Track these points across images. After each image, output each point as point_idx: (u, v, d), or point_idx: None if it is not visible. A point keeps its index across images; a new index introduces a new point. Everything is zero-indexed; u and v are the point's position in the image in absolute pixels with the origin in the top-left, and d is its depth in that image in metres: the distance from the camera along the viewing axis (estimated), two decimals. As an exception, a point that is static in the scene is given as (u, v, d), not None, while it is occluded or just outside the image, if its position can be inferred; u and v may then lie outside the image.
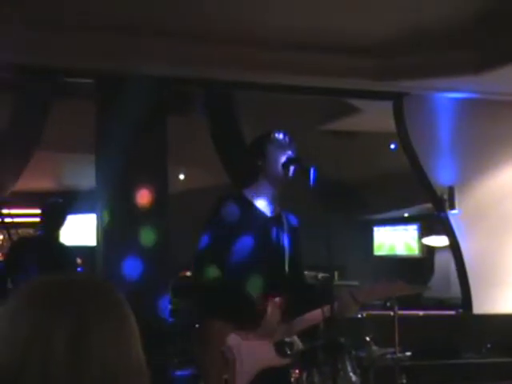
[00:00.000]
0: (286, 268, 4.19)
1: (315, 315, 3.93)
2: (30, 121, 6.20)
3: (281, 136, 4.20)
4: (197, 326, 4.19)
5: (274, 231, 4.21)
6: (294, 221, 4.34)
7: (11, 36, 5.77)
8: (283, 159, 4.09)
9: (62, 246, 6.50)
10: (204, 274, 4.13)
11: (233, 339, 3.92)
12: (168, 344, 6.11)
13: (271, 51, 6.27)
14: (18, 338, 1.29)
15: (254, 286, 4.05)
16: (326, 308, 3.78)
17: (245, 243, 4.10)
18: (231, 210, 4.16)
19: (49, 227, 6.42)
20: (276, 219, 4.23)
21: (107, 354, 1.30)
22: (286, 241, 4.23)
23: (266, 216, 4.19)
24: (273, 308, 3.97)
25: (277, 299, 3.98)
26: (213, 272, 4.08)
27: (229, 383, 3.84)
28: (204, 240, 4.17)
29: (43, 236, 6.45)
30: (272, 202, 4.22)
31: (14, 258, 6.26)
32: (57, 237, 6.51)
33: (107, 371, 1.30)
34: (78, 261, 6.68)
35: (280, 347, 3.98)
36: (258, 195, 4.21)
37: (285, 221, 4.27)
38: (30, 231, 9.76)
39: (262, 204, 4.20)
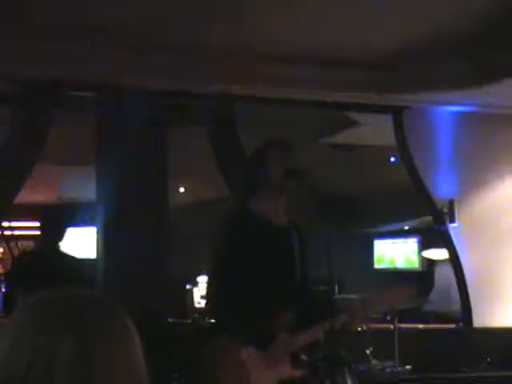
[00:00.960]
0: (298, 279, 4.19)
1: (317, 330, 3.93)
2: (30, 134, 6.20)
3: (281, 148, 4.20)
4: (210, 341, 4.19)
5: (283, 243, 4.20)
6: (301, 230, 4.32)
7: (11, 49, 5.79)
8: (284, 171, 4.09)
9: (66, 257, 6.47)
10: (219, 297, 4.14)
11: (246, 354, 3.92)
12: (168, 357, 6.10)
13: (271, 65, 6.28)
14: (23, 353, 1.29)
15: (267, 300, 4.05)
16: (327, 322, 3.78)
17: (256, 258, 4.10)
18: (239, 228, 4.16)
19: (50, 239, 6.41)
20: (284, 230, 4.22)
21: (110, 368, 1.31)
22: (296, 251, 4.22)
23: (274, 228, 4.19)
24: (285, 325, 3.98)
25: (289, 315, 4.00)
26: (227, 293, 4.08)
27: None
28: (217, 263, 4.18)
29: (45, 249, 6.44)
30: (277, 213, 4.22)
31: (17, 272, 6.25)
32: (59, 248, 6.49)
33: None
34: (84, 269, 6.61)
35: (295, 359, 3.98)
36: (262, 207, 4.21)
37: (294, 231, 4.26)
38: (30, 244, 9.75)
39: (266, 215, 4.19)
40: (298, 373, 3.97)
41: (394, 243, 13.62)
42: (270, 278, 4.08)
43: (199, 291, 11.15)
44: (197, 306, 10.53)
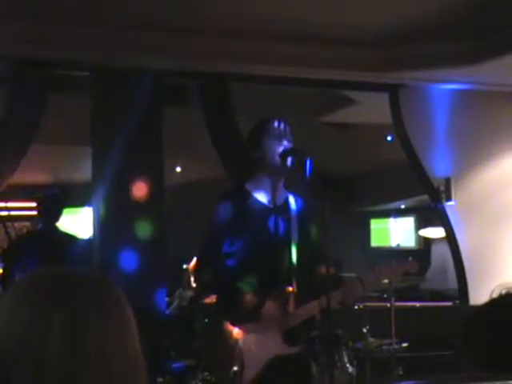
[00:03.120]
0: (293, 257, 4.18)
1: (314, 306, 3.94)
2: (26, 113, 6.18)
3: (277, 126, 4.18)
4: (205, 320, 4.22)
5: (276, 222, 4.19)
6: (304, 205, 4.28)
7: (8, 28, 5.77)
8: (280, 150, 4.07)
9: (62, 236, 6.46)
10: (206, 274, 4.16)
11: (239, 332, 3.94)
12: (165, 336, 6.12)
13: (267, 43, 6.26)
14: (16, 329, 1.29)
15: (257, 279, 4.06)
16: (324, 298, 3.79)
17: (246, 238, 4.10)
18: (232, 207, 4.15)
19: (47, 219, 6.41)
20: (279, 209, 4.20)
21: (104, 347, 1.31)
22: (293, 229, 4.20)
23: (268, 207, 4.18)
24: (271, 301, 3.99)
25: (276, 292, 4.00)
26: (214, 270, 4.10)
27: (238, 375, 3.87)
28: (206, 240, 4.19)
29: (44, 229, 6.44)
30: (273, 192, 4.20)
31: (15, 251, 6.24)
32: (55, 228, 6.49)
33: (104, 365, 1.30)
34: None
35: (288, 336, 3.99)
36: (258, 187, 4.20)
37: (291, 209, 4.23)
38: (27, 224, 9.75)
39: (263, 196, 4.18)
40: (292, 349, 3.98)
41: (390, 222, 13.63)
42: (260, 257, 4.08)
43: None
44: (194, 285, 10.54)
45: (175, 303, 7.20)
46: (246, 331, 3.95)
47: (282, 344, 3.97)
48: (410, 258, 4.31)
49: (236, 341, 3.94)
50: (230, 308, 4.04)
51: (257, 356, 3.92)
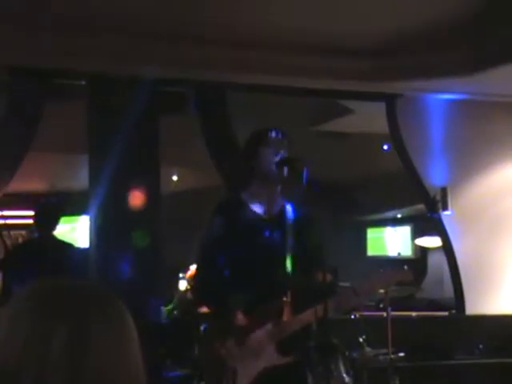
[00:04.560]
0: (289, 267, 4.16)
1: (309, 315, 3.93)
2: (22, 122, 6.19)
3: (274, 136, 4.17)
4: (201, 328, 4.22)
5: (272, 232, 4.18)
6: (301, 215, 4.26)
7: (7, 37, 5.77)
8: (276, 159, 4.07)
9: (59, 245, 6.45)
10: (203, 285, 4.17)
11: (233, 341, 3.93)
12: (160, 345, 6.11)
13: (263, 52, 6.27)
14: (16, 342, 1.28)
15: (253, 289, 4.04)
16: (320, 307, 3.78)
17: (242, 249, 4.09)
18: (227, 218, 4.15)
19: (43, 228, 6.40)
20: (275, 219, 4.19)
21: (105, 360, 1.29)
22: (289, 239, 4.18)
23: (264, 217, 4.17)
24: (265, 311, 3.98)
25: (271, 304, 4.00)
26: (211, 279, 4.10)
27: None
28: (202, 252, 4.19)
29: (40, 237, 6.43)
30: (270, 202, 4.19)
31: (11, 261, 6.23)
32: (52, 237, 6.48)
33: (104, 378, 1.29)
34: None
35: (282, 346, 3.98)
36: (255, 197, 4.19)
37: (287, 218, 4.22)
38: (23, 233, 9.73)
39: (259, 205, 4.17)
40: (285, 360, 3.97)
41: (387, 231, 13.62)
42: (256, 267, 4.07)
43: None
44: (190, 294, 10.52)
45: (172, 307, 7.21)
46: (240, 341, 3.94)
47: (276, 354, 3.96)
48: (406, 267, 4.31)
49: (230, 351, 3.92)
50: (224, 319, 4.03)
51: (251, 366, 3.91)
